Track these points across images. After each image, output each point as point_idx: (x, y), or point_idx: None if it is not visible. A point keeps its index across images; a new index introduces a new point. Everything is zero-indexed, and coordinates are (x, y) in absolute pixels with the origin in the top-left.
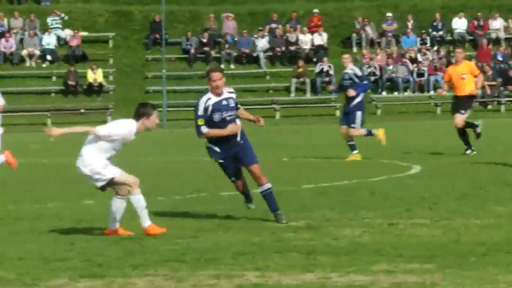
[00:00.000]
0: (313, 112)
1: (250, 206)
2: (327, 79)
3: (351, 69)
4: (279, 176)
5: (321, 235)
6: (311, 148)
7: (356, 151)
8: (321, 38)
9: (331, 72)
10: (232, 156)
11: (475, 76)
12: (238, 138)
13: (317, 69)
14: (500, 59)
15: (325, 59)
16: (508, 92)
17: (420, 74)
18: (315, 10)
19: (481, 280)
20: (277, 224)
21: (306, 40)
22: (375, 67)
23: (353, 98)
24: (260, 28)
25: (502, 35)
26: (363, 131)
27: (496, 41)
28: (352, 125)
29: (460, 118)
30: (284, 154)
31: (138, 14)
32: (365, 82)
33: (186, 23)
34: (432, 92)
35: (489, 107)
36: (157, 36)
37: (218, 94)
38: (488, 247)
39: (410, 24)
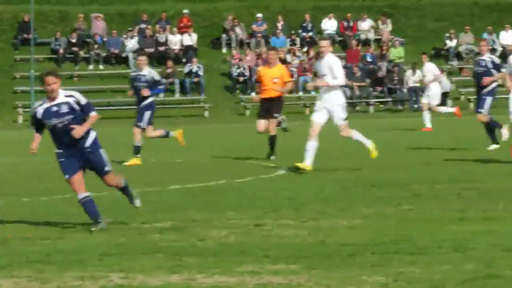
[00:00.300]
0: (182, 113)
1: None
2: (196, 79)
3: (148, 71)
4: (146, 177)
5: (187, 236)
6: (179, 149)
7: (139, 155)
8: (190, 39)
9: (200, 72)
10: (83, 162)
11: (285, 82)
12: (87, 144)
13: (186, 69)
14: (369, 60)
15: (194, 59)
16: (377, 93)
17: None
18: (185, 11)
19: (346, 281)
20: (142, 225)
21: (176, 40)
22: (244, 68)
23: (146, 98)
24: (130, 29)
25: (371, 36)
26: (162, 132)
27: (365, 42)
28: (139, 124)
29: (271, 123)
30: (151, 155)
31: (6, 13)
32: (161, 86)
33: (55, 23)
34: (301, 93)
35: (358, 108)
36: (26, 36)
37: (52, 99)
38: (354, 248)
39: (280, 25)
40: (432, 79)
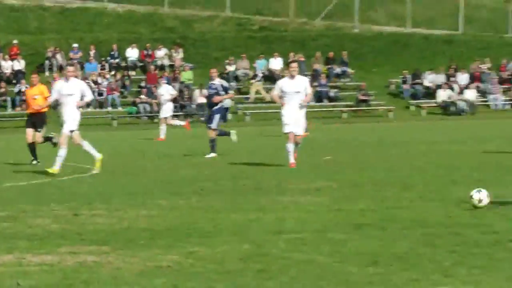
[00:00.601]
0: (12, 124)
1: None
2: (24, 97)
3: None
4: None
5: (18, 223)
6: (11, 153)
7: None
8: (19, 64)
9: None
10: None
11: (46, 97)
12: None
13: (16, 89)
14: (165, 81)
15: (22, 81)
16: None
17: (100, 94)
18: (15, 41)
19: (147, 259)
20: None
21: (7, 66)
22: None
23: None
24: None
25: (166, 62)
26: None
27: (162, 67)
28: None
29: (37, 135)
30: None
31: None
32: None
33: None
34: (109, 108)
35: (156, 120)
36: None
37: None
38: (153, 233)
39: (92, 53)
40: (168, 98)
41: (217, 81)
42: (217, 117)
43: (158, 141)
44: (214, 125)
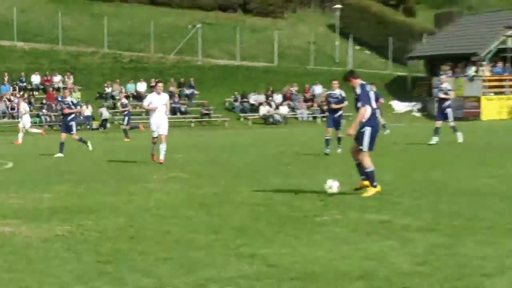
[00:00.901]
0: None
1: None
2: None
3: None
4: None
5: None
6: None
7: None
8: None
9: None
10: None
11: None
12: None
13: None
14: (60, 99)
15: None
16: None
17: (13, 108)
18: None
19: (48, 229)
20: None
21: None
22: None
23: None
24: None
25: (61, 85)
26: None
27: (58, 89)
28: None
29: None
30: None
31: None
32: None
33: None
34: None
35: (54, 128)
36: None
37: None
38: (53, 209)
39: (6, 79)
40: (24, 113)
41: (69, 99)
42: (74, 124)
43: (16, 144)
44: (75, 131)
